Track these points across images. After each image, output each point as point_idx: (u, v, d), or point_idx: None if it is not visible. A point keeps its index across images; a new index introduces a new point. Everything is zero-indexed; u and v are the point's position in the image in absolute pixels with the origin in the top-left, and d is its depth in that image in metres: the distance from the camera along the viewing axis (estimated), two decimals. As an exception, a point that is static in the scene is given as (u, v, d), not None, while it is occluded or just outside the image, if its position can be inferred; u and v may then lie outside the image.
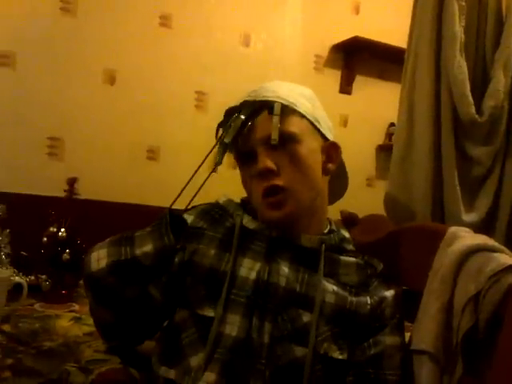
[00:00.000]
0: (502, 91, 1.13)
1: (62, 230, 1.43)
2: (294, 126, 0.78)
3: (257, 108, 0.78)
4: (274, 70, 2.34)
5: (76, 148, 2.10)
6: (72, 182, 1.53)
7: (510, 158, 1.12)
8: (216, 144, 0.83)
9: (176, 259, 0.80)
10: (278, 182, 0.76)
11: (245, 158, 0.81)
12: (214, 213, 0.84)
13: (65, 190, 1.54)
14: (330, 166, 0.84)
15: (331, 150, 0.84)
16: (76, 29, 2.09)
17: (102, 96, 2.15)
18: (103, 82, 2.15)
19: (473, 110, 1.11)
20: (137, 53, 2.19)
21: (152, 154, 2.24)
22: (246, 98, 0.81)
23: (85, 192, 1.68)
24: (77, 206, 1.52)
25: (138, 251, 0.80)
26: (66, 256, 1.41)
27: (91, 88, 2.13)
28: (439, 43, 1.19)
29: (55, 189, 1.66)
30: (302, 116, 0.79)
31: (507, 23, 1.23)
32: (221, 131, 0.82)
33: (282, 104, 0.77)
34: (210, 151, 0.84)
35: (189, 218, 0.83)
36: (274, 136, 0.74)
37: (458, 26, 1.16)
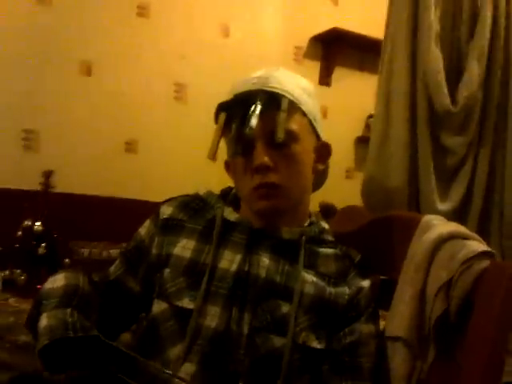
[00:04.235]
0: (475, 81, 1.15)
1: (38, 223, 1.40)
2: (296, 123, 0.76)
3: (267, 100, 0.74)
4: (253, 61, 2.33)
5: (52, 140, 2.06)
6: (48, 174, 1.50)
7: (483, 147, 1.15)
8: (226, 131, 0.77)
9: (154, 251, 0.80)
10: (273, 178, 0.75)
11: (240, 147, 0.77)
12: (195, 204, 0.83)
13: (40, 183, 1.51)
14: (320, 166, 0.84)
15: (322, 151, 0.83)
16: (51, 20, 2.05)
17: (78, 87, 2.11)
18: (79, 73, 2.11)
19: (447, 100, 1.13)
20: (114, 43, 2.16)
21: (131, 146, 2.21)
22: (252, 87, 0.75)
23: (61, 185, 1.65)
24: (53, 200, 1.49)
25: None
26: (41, 250, 1.39)
27: (67, 79, 2.09)
28: (415, 34, 1.21)
29: (31, 182, 1.62)
30: (304, 114, 0.78)
31: (481, 15, 1.25)
32: (223, 115, 0.76)
33: (288, 100, 0.74)
34: (218, 140, 0.77)
35: (168, 210, 0.82)
36: (280, 134, 0.72)
37: (432, 17, 1.17)
